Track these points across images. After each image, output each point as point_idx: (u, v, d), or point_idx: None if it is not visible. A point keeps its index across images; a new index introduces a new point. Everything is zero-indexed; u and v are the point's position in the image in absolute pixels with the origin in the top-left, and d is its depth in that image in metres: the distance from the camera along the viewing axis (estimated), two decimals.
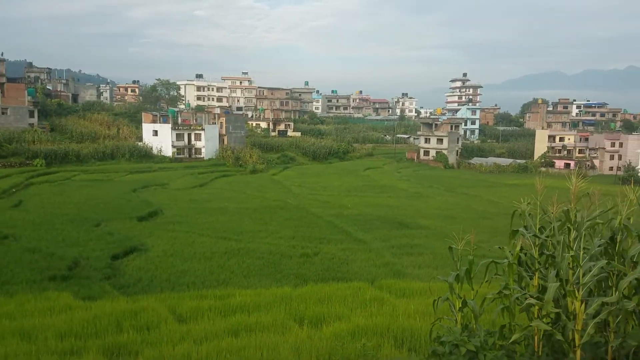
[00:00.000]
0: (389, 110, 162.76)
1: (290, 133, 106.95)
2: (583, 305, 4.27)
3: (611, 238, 5.17)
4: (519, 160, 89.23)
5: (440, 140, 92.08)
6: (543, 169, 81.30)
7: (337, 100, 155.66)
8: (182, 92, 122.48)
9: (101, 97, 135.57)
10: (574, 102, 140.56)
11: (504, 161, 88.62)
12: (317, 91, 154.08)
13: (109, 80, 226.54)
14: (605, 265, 4.50)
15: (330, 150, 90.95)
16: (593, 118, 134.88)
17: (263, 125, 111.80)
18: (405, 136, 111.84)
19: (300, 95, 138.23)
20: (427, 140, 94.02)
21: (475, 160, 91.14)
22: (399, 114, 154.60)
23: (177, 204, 41.88)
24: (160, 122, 78.49)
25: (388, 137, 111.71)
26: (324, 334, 8.76)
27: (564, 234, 4.96)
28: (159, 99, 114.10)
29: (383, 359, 6.59)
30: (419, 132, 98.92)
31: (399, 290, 16.10)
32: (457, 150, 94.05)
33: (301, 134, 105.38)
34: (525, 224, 5.72)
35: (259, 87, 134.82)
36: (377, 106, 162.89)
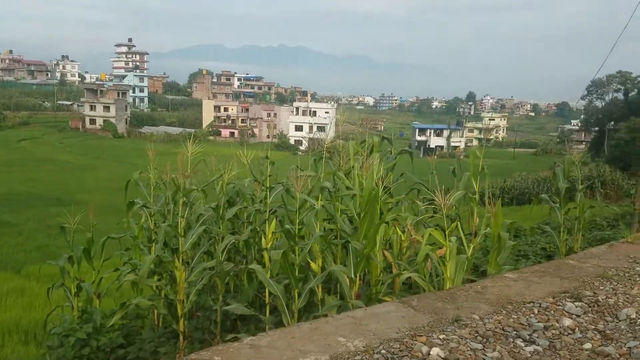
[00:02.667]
0: (47, 74, 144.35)
1: None
2: (184, 273, 4.28)
3: (228, 201, 5.40)
4: (189, 129, 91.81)
5: (107, 108, 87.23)
6: (211, 137, 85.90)
7: None
8: None
9: None
10: (236, 75, 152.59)
11: (175, 130, 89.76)
12: None
13: None
14: (207, 231, 4.64)
15: None
16: (252, 90, 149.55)
17: None
18: (68, 103, 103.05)
19: None
20: (92, 108, 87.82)
21: (146, 129, 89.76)
22: (59, 78, 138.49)
23: None
24: None
25: (47, 104, 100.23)
26: None
27: (176, 202, 4.92)
28: None
29: None
30: (83, 99, 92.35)
31: (49, 276, 14.63)
32: (127, 119, 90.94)
33: None
34: (149, 194, 5.54)
35: None
36: (32, 69, 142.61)
